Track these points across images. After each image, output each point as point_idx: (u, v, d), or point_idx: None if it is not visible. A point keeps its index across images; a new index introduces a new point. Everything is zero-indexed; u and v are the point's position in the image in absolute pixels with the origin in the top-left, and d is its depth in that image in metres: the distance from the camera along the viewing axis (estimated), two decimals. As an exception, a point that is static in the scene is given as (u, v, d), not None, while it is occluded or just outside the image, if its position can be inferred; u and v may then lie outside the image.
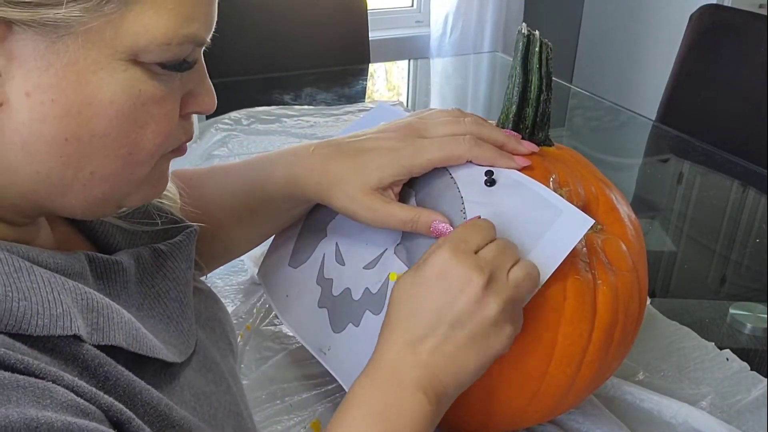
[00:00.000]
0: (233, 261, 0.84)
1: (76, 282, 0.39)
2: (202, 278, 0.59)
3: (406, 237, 0.56)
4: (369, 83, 1.76)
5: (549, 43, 0.59)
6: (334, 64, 1.76)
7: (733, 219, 1.10)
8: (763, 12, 1.78)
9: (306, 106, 1.43)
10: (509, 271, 0.47)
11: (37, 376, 0.33)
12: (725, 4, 2.13)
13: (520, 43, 0.59)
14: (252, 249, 0.70)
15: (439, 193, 0.56)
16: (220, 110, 1.36)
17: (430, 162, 0.55)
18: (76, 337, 0.36)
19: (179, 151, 0.45)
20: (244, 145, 1.24)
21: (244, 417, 0.48)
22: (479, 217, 0.51)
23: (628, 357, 0.62)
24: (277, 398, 0.66)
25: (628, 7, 2.54)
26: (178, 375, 0.44)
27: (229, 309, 0.79)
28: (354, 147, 0.56)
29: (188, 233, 0.51)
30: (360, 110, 1.42)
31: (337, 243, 0.61)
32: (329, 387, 0.67)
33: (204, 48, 0.42)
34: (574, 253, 0.54)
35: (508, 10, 2.47)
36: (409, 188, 0.58)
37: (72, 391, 0.34)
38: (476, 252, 0.47)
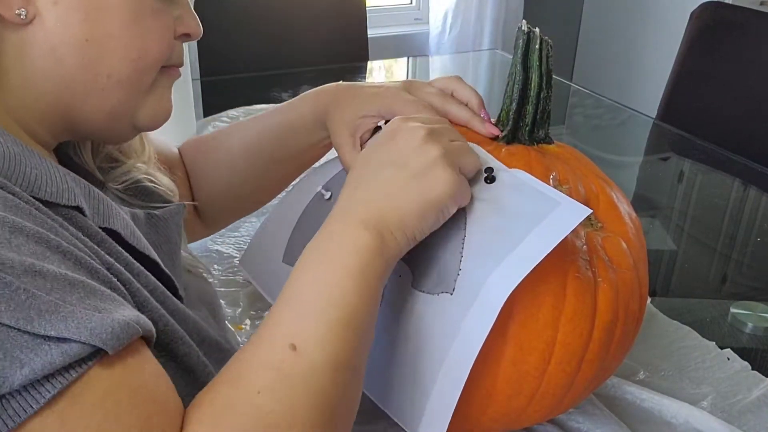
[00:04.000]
0: (231, 263, 0.84)
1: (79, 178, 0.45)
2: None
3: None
4: (368, 81, 1.75)
5: (549, 41, 0.59)
6: (333, 62, 1.75)
7: (734, 217, 1.10)
8: (764, 9, 1.78)
9: (304, 104, 1.42)
10: (452, 141, 0.52)
11: (45, 225, 0.38)
12: (726, 1, 2.13)
13: (520, 41, 0.59)
14: (276, 195, 0.76)
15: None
16: (218, 108, 1.36)
17: (389, 113, 0.60)
18: (80, 211, 0.42)
19: (175, 71, 0.52)
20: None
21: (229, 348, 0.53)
22: None
23: (628, 356, 0.62)
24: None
25: (628, 4, 2.53)
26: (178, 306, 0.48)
27: (222, 301, 0.79)
28: (365, 85, 0.65)
29: (179, 204, 0.57)
30: (359, 108, 1.41)
31: (335, 241, 0.61)
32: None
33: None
34: (574, 251, 0.54)
35: (507, 8, 2.47)
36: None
37: (74, 244, 0.39)
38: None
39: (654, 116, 1.53)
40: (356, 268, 0.45)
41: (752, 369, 0.71)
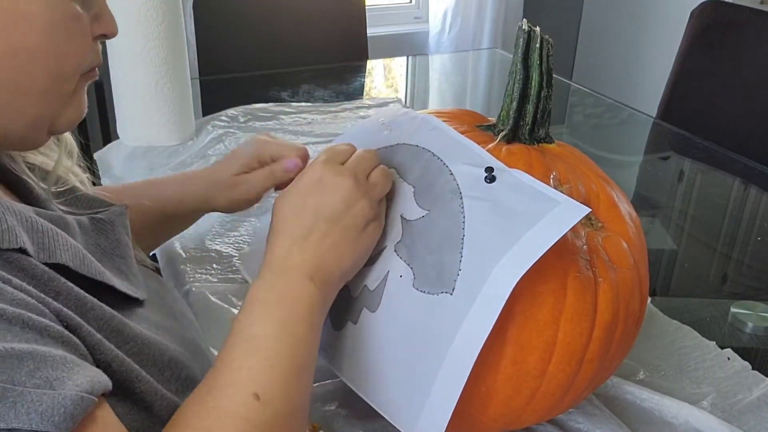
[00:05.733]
0: (230, 262, 0.83)
1: (21, 208, 0.44)
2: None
3: (407, 235, 0.56)
4: (367, 80, 1.75)
5: (549, 40, 0.59)
6: (332, 61, 1.75)
7: (735, 217, 1.10)
8: (764, 8, 1.77)
9: (303, 103, 1.42)
10: (369, 175, 0.55)
11: None
12: (726, 0, 2.13)
13: (521, 40, 0.58)
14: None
15: (439, 190, 0.56)
16: (217, 107, 1.36)
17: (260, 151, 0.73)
18: (23, 252, 0.41)
19: (93, 73, 0.50)
20: (240, 142, 1.23)
21: (203, 350, 0.55)
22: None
23: (628, 356, 0.62)
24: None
25: (628, 3, 2.53)
26: (134, 310, 0.50)
27: (220, 302, 0.79)
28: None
29: (121, 206, 0.58)
30: (358, 107, 1.41)
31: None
32: (323, 383, 0.67)
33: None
34: (574, 251, 0.53)
35: (507, 6, 2.47)
36: (407, 185, 0.57)
37: (22, 291, 0.38)
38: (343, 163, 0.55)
39: (654, 115, 1.52)
40: (306, 317, 0.49)
41: (752, 369, 0.71)
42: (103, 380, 0.39)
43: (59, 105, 0.47)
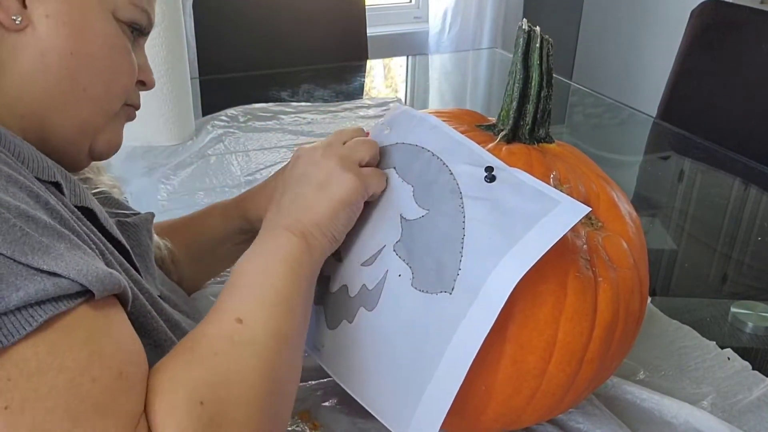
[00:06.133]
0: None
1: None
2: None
3: (406, 234, 0.56)
4: (367, 80, 1.75)
5: (549, 39, 0.59)
6: (332, 61, 1.75)
7: (735, 217, 1.10)
8: (764, 8, 1.77)
9: (303, 103, 1.42)
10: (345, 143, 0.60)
11: (34, 184, 0.42)
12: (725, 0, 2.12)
13: (521, 39, 0.59)
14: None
15: (439, 190, 0.56)
16: (217, 107, 1.36)
17: None
18: (58, 188, 0.47)
19: (132, 112, 0.58)
20: (240, 142, 1.23)
21: None
22: None
23: (628, 356, 0.62)
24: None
25: (628, 2, 2.53)
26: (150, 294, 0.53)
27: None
28: None
29: (148, 212, 0.62)
30: (357, 107, 1.41)
31: (334, 240, 0.61)
32: (322, 380, 0.67)
33: (147, 36, 0.58)
34: (574, 251, 0.53)
35: (507, 6, 2.47)
36: (407, 184, 0.57)
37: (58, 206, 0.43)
38: None
39: (654, 115, 1.52)
40: (288, 262, 0.52)
41: (753, 369, 0.71)
42: (126, 285, 0.43)
43: (103, 118, 0.54)
